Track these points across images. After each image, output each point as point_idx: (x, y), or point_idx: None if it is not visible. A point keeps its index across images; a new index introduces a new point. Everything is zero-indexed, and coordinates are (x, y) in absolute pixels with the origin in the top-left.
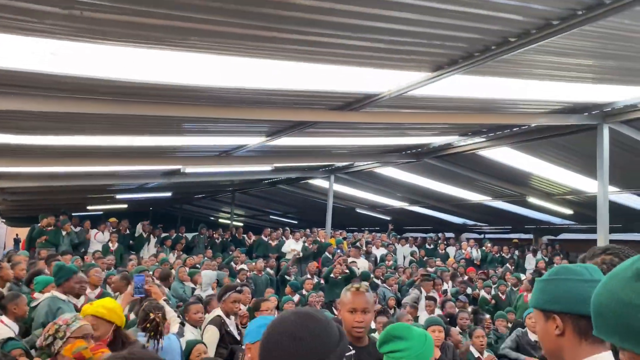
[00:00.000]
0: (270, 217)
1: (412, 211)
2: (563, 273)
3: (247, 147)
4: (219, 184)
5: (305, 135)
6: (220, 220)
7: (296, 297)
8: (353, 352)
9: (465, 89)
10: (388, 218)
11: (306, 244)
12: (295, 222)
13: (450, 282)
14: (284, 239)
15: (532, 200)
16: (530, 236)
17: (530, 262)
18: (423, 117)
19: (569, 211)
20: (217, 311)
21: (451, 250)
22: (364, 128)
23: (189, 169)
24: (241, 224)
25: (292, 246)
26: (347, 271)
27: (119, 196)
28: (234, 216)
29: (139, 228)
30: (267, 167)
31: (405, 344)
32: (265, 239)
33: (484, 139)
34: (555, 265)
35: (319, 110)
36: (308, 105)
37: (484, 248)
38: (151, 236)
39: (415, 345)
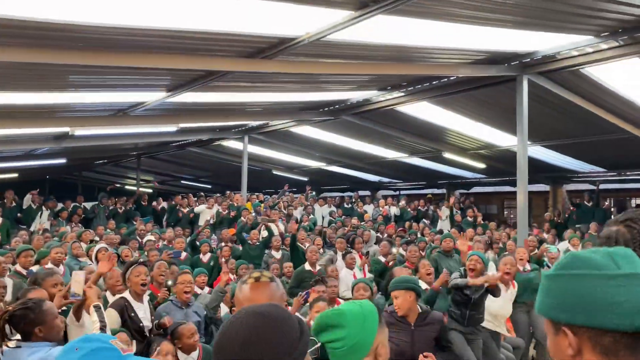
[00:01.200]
0: (182, 182)
1: (330, 171)
2: (576, 265)
3: (146, 105)
4: (120, 148)
5: (211, 90)
6: (127, 187)
7: (207, 256)
8: (319, 344)
9: (387, 34)
10: (306, 179)
11: (220, 210)
12: (209, 186)
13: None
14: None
15: (447, 155)
16: (443, 191)
17: (445, 215)
18: (342, 67)
19: (481, 165)
20: (125, 293)
21: (368, 209)
22: (279, 81)
23: (79, 132)
24: (150, 190)
25: (205, 208)
26: (266, 233)
27: (3, 164)
28: (142, 182)
29: (27, 199)
30: (172, 128)
31: (342, 332)
32: (177, 206)
33: (402, 94)
34: (469, 218)
35: (228, 58)
36: (214, 51)
37: (400, 205)
38: (43, 208)
39: (353, 332)
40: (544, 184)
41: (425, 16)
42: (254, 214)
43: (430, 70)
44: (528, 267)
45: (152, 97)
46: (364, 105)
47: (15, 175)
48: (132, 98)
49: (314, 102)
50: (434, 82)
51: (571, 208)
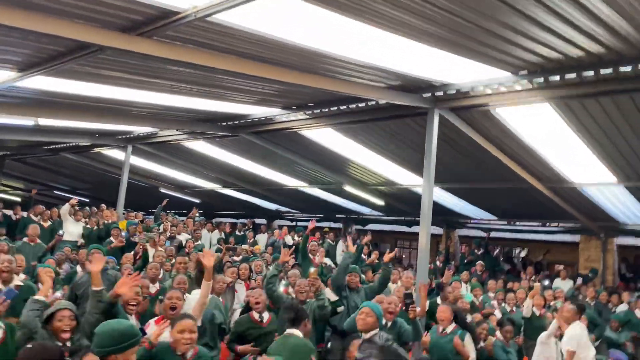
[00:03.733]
0: (55, 192)
1: (224, 194)
2: None
3: None
4: None
5: (73, 77)
6: None
7: (58, 294)
8: None
9: (296, 29)
10: (197, 201)
11: (89, 226)
12: (87, 200)
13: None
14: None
15: (347, 188)
16: (340, 225)
17: (340, 250)
18: (237, 64)
19: (380, 202)
20: None
21: (262, 238)
22: (167, 78)
23: None
24: (18, 199)
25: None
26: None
27: None
28: (5, 188)
29: None
30: (28, 122)
31: None
32: (36, 219)
33: (307, 116)
34: (363, 255)
35: (92, 27)
36: (74, 16)
37: (296, 236)
38: None
39: None
40: (439, 227)
41: (345, 10)
42: (124, 234)
43: (340, 87)
44: (449, 328)
45: None
46: (265, 124)
47: None
48: None
49: (211, 113)
50: (342, 108)
51: (462, 252)
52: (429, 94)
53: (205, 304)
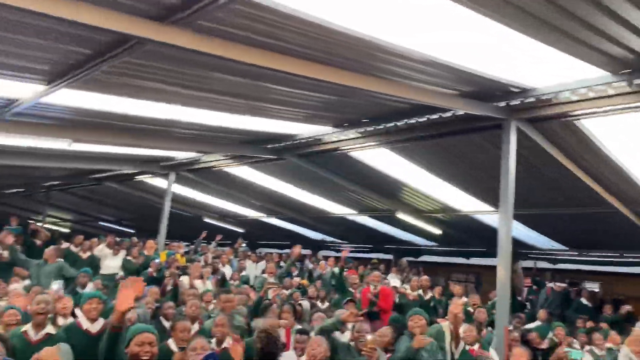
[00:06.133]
0: (100, 223)
1: (268, 223)
2: None
3: (20, 104)
4: (27, 176)
5: (103, 88)
6: (41, 224)
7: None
8: None
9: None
10: (241, 230)
11: (128, 258)
12: (133, 231)
13: None
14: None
15: (400, 216)
16: (390, 257)
17: (394, 282)
18: (281, 61)
19: (437, 231)
20: None
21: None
22: (206, 89)
23: None
24: (67, 230)
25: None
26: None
27: None
28: (54, 220)
29: None
30: (63, 144)
31: None
32: (75, 250)
33: (359, 135)
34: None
35: (123, 15)
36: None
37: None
38: None
39: None
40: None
41: None
42: (159, 261)
43: (401, 92)
44: None
45: (26, 91)
46: (313, 144)
47: None
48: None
49: (256, 134)
50: (399, 124)
51: (534, 288)
52: (504, 103)
53: None
